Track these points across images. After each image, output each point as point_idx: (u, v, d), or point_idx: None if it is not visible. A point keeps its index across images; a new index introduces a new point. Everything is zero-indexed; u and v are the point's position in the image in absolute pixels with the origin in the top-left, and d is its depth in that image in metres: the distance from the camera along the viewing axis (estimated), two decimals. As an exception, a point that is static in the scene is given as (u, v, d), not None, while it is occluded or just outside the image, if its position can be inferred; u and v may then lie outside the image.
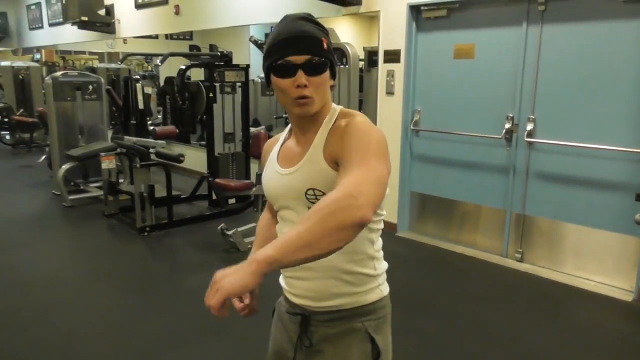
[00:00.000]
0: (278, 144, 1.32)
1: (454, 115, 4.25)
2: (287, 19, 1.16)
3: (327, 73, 1.16)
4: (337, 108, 1.23)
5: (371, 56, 5.38)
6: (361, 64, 5.09)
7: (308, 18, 1.17)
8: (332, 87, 1.21)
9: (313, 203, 1.13)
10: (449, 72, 4.24)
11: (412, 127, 4.54)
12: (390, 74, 4.56)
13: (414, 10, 4.32)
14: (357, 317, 1.23)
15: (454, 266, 4.01)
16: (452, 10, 4.12)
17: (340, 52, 4.48)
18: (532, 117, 3.78)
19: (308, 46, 1.13)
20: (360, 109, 5.14)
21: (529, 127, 3.78)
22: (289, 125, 1.31)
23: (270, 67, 1.15)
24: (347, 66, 4.44)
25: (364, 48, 5.69)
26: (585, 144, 3.52)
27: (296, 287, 1.26)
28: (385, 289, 1.29)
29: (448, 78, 4.26)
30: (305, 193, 1.16)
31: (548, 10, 3.61)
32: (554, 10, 3.59)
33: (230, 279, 0.92)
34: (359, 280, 1.22)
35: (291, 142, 1.27)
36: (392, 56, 4.51)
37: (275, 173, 1.26)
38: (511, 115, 3.88)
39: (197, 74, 5.82)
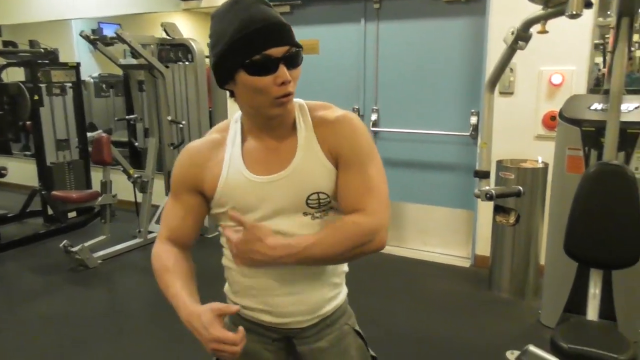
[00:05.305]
0: (225, 149, 1.09)
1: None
2: (242, 3, 0.96)
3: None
4: (298, 100, 1.11)
5: (216, 53, 5.26)
6: (207, 61, 4.96)
7: (264, 1, 0.99)
8: None
9: (313, 209, 1.06)
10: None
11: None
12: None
13: (257, 6, 4.31)
14: (339, 319, 1.21)
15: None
16: (295, 6, 4.21)
17: (185, 48, 4.30)
18: (375, 107, 4.05)
19: (285, 35, 0.96)
20: (210, 108, 5.01)
21: (374, 117, 4.05)
22: (222, 125, 1.14)
23: (242, 65, 0.95)
24: (192, 63, 4.29)
25: (207, 44, 5.53)
26: (422, 130, 3.88)
27: (284, 305, 1.11)
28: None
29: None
30: (307, 198, 1.05)
31: (383, 8, 3.89)
32: (387, 9, 3.88)
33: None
34: (342, 279, 1.21)
35: (253, 144, 1.09)
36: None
37: (248, 181, 1.06)
38: (357, 107, 4.11)
39: (14, 75, 5.10)
